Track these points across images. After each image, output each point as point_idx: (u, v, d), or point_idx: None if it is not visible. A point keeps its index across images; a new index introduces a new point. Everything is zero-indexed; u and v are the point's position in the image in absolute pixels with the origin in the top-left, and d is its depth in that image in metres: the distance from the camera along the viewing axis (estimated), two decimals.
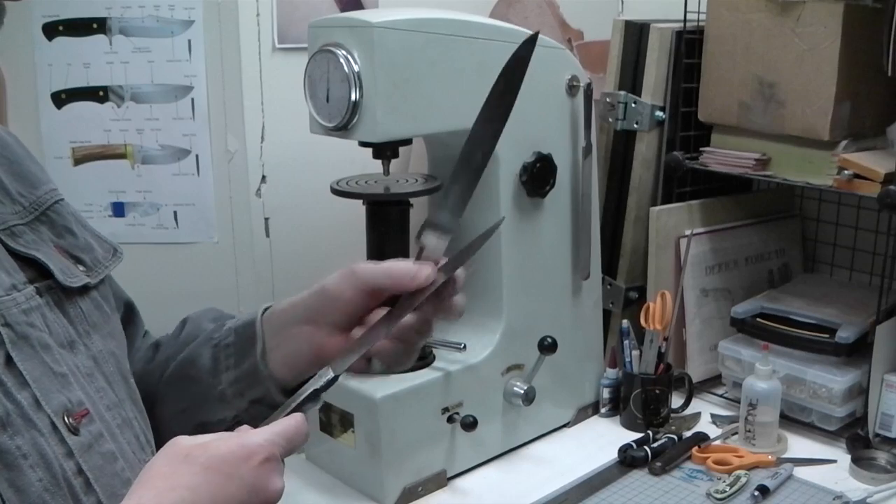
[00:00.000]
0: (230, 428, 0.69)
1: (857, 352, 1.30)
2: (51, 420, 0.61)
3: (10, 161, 0.73)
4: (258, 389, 0.78)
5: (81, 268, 0.72)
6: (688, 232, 1.44)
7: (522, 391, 1.27)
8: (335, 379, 0.70)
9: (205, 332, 0.84)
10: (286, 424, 0.64)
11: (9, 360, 0.60)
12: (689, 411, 1.39)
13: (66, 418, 0.62)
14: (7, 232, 0.67)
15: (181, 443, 0.60)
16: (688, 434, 1.32)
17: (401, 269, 0.73)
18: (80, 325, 0.69)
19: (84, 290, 0.71)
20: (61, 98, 1.41)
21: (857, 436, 1.27)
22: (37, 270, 0.66)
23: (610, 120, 1.47)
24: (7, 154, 0.73)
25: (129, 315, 0.87)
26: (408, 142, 1.16)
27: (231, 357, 0.80)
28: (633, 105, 1.44)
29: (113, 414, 0.68)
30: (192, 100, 1.43)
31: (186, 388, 0.81)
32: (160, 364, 0.84)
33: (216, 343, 0.81)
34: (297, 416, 0.65)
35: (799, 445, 1.31)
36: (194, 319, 0.87)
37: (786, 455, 1.28)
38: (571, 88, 1.29)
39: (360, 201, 1.18)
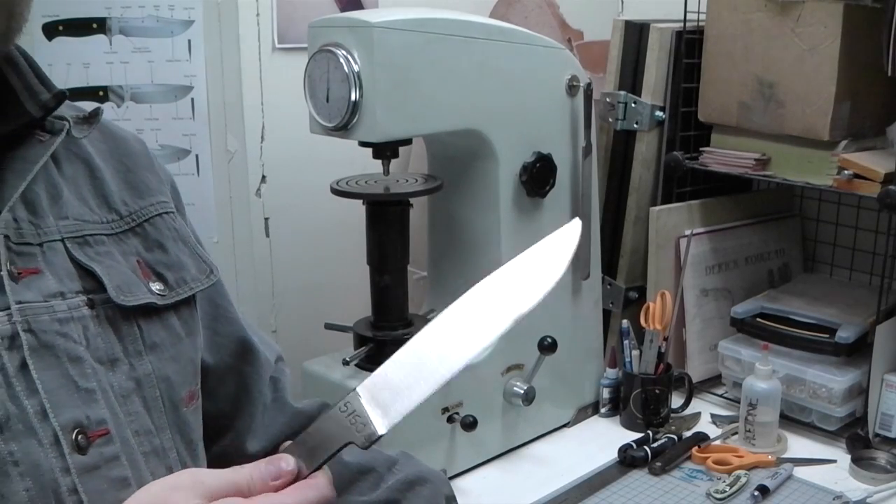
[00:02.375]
0: None
1: (857, 352, 1.30)
2: (55, 433, 0.59)
3: (128, 169, 0.73)
4: None
5: (158, 286, 0.70)
6: (688, 232, 1.44)
7: (522, 391, 1.27)
8: None
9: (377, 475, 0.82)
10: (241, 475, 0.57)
11: (24, 366, 0.59)
12: (689, 411, 1.39)
13: (76, 435, 0.60)
14: (80, 240, 0.66)
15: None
16: (688, 434, 1.33)
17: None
18: (132, 345, 0.67)
19: (150, 309, 0.68)
20: None
21: (857, 436, 1.27)
22: (97, 282, 0.65)
23: (610, 120, 1.47)
24: (127, 161, 0.73)
25: (244, 354, 0.84)
26: (408, 142, 1.16)
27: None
28: (633, 105, 1.44)
29: (141, 440, 0.66)
30: (192, 100, 1.43)
31: None
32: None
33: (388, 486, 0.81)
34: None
35: (799, 445, 1.31)
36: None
37: (786, 455, 1.28)
38: (571, 88, 1.29)
39: (360, 201, 1.18)
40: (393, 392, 0.58)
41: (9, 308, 0.59)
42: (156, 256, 0.71)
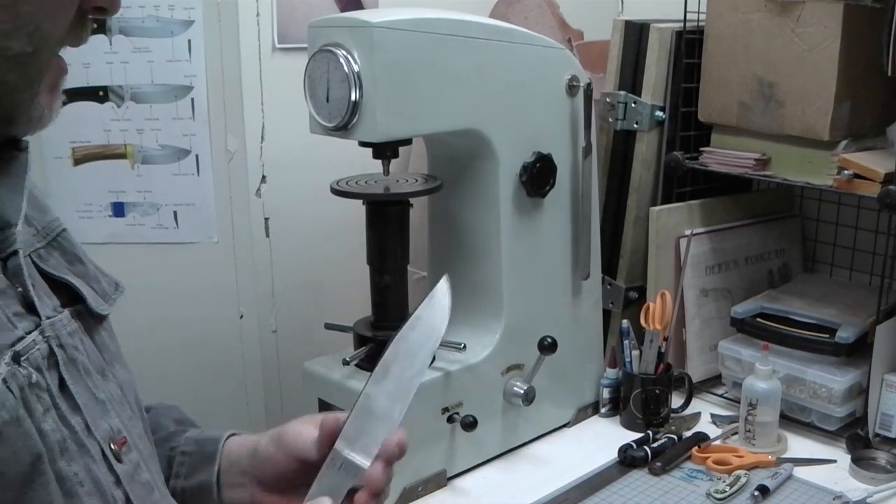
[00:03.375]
0: None
1: (857, 352, 1.30)
2: (100, 447, 0.59)
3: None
4: None
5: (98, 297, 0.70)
6: (688, 232, 1.44)
7: (522, 391, 1.27)
8: None
9: (166, 430, 0.82)
10: None
11: (62, 384, 0.58)
12: (689, 411, 1.39)
13: (111, 445, 0.60)
14: (35, 254, 0.64)
15: None
16: (688, 434, 1.32)
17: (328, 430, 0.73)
18: (106, 354, 0.67)
19: (102, 319, 0.69)
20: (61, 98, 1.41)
21: (857, 436, 1.27)
22: (67, 295, 0.64)
23: (610, 120, 1.47)
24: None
25: None
26: (408, 142, 1.16)
27: (184, 466, 0.79)
28: (633, 105, 1.44)
29: (144, 443, 0.67)
30: (192, 100, 1.43)
31: None
32: None
33: (173, 446, 0.80)
34: None
35: (799, 445, 1.31)
36: (156, 414, 0.85)
37: (786, 455, 1.28)
38: (571, 88, 1.29)
39: (360, 201, 1.18)
40: (367, 437, 0.71)
41: (39, 326, 0.57)
42: (79, 270, 0.70)
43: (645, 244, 1.45)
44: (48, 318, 0.59)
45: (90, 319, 0.66)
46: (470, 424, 1.20)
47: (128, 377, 0.70)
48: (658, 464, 1.23)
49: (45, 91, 0.60)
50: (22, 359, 0.55)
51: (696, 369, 1.46)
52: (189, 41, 1.41)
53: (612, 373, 1.41)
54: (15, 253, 0.59)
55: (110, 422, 0.62)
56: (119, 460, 0.61)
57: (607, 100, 1.47)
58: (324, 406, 1.21)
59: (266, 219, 1.51)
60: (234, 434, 0.82)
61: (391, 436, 0.71)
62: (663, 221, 1.43)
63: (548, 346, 1.24)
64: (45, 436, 0.55)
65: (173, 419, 0.84)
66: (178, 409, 0.87)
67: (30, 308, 0.58)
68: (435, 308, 0.74)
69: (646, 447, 1.27)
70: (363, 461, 0.70)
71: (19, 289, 0.58)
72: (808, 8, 1.26)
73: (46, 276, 0.63)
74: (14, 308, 0.57)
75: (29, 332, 0.57)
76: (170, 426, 0.83)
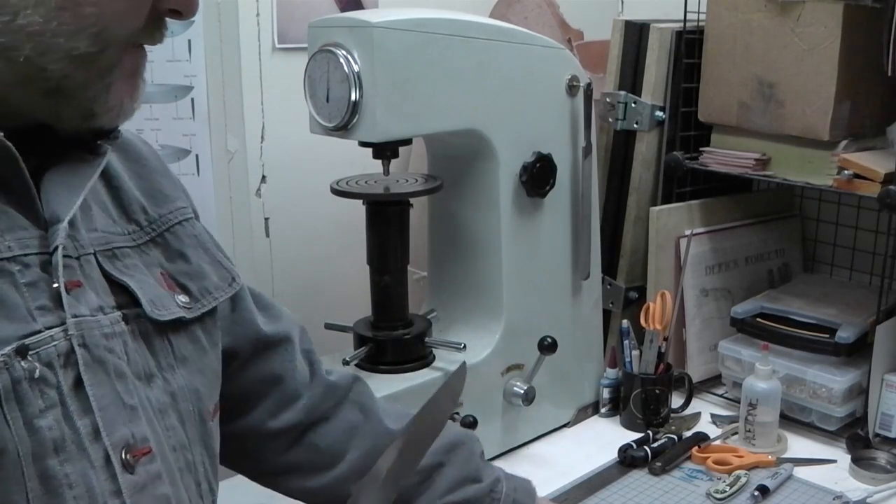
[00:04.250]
0: None
1: (857, 352, 1.30)
2: (106, 453, 0.58)
3: (140, 176, 0.72)
4: None
5: (183, 298, 0.69)
6: (688, 232, 1.44)
7: (522, 391, 1.27)
8: None
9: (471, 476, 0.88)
10: None
11: (78, 383, 0.57)
12: (689, 411, 1.39)
13: (124, 454, 0.59)
14: (109, 253, 0.65)
15: None
16: (688, 434, 1.32)
17: None
18: (164, 359, 0.66)
19: (178, 323, 0.68)
20: None
21: (857, 436, 1.27)
22: (128, 297, 0.64)
23: (610, 120, 1.47)
24: (139, 169, 0.72)
25: (263, 350, 0.86)
26: (408, 142, 1.16)
27: None
28: (633, 105, 1.44)
29: (177, 456, 0.66)
30: (192, 100, 1.43)
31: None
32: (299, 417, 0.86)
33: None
34: None
35: (799, 445, 1.31)
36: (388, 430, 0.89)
37: (786, 455, 1.28)
38: (571, 88, 1.29)
39: (360, 201, 1.18)
40: None
41: (64, 323, 0.57)
42: (178, 267, 0.70)
43: (645, 244, 1.45)
44: (77, 316, 0.58)
45: (149, 324, 0.65)
46: (470, 424, 1.20)
47: (193, 383, 0.69)
48: (658, 464, 1.23)
49: (119, 80, 0.60)
50: (30, 353, 0.55)
51: (696, 369, 1.46)
52: (189, 41, 1.41)
53: (612, 373, 1.41)
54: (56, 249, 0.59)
55: (135, 429, 0.60)
56: (130, 470, 0.59)
57: (607, 100, 1.47)
58: None
59: (266, 219, 1.51)
60: None
61: None
62: (663, 221, 1.43)
63: (548, 346, 1.24)
64: (37, 431, 0.55)
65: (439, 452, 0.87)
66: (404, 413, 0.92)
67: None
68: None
69: (646, 447, 1.27)
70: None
71: (55, 284, 0.58)
72: (808, 8, 1.26)
73: (108, 277, 0.63)
74: (41, 301, 0.57)
75: (50, 328, 0.56)
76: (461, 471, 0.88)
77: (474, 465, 0.89)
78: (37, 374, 0.55)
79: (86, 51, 0.57)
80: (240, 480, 0.90)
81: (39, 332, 0.56)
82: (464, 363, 0.81)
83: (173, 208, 0.73)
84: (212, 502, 0.71)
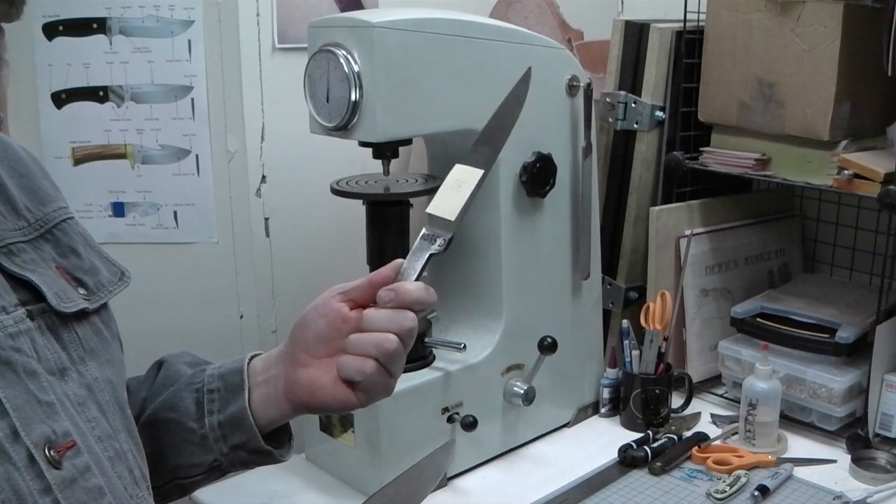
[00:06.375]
0: (207, 473, 0.70)
1: (857, 352, 1.30)
2: (28, 452, 0.57)
3: (21, 175, 0.71)
4: (242, 435, 0.79)
5: (82, 291, 0.69)
6: (688, 232, 1.44)
7: (522, 391, 1.27)
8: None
9: (184, 376, 0.83)
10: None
11: None
12: (689, 411, 1.39)
13: (47, 451, 0.58)
14: (5, 250, 0.64)
15: None
16: (688, 434, 1.32)
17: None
18: (75, 352, 0.66)
19: (81, 314, 0.67)
20: (61, 98, 1.41)
21: (857, 436, 1.27)
22: (31, 292, 0.63)
23: (610, 120, 1.47)
24: (19, 168, 0.71)
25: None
26: (408, 142, 1.16)
27: (215, 402, 0.80)
28: (633, 105, 1.44)
29: (105, 446, 0.65)
30: (192, 100, 1.43)
31: (165, 432, 0.80)
32: (136, 406, 0.82)
33: (198, 388, 0.81)
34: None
35: (799, 445, 1.31)
36: (171, 363, 0.86)
37: (786, 455, 1.28)
38: (571, 88, 1.29)
39: (360, 201, 1.18)
40: None
41: None
42: (72, 262, 0.70)
43: (645, 244, 1.45)
44: None
45: (55, 317, 0.65)
46: (470, 424, 1.20)
47: (105, 374, 0.69)
48: (658, 464, 1.23)
49: None
50: None
51: (696, 369, 1.46)
52: (189, 41, 1.41)
53: (612, 373, 1.41)
54: None
55: (55, 425, 0.60)
56: (56, 466, 0.59)
57: (607, 100, 1.47)
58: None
59: (266, 219, 1.51)
60: (256, 355, 0.83)
61: None
62: (663, 221, 1.43)
63: (548, 346, 1.24)
64: None
65: (185, 363, 0.85)
66: (188, 353, 0.88)
67: None
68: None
69: (646, 447, 1.27)
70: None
71: None
72: (808, 8, 1.26)
73: (9, 274, 0.63)
74: None
75: None
76: (185, 371, 0.84)
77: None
78: None
79: None
80: (240, 480, 0.90)
81: None
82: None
83: (56, 207, 0.72)
84: (146, 489, 0.71)
